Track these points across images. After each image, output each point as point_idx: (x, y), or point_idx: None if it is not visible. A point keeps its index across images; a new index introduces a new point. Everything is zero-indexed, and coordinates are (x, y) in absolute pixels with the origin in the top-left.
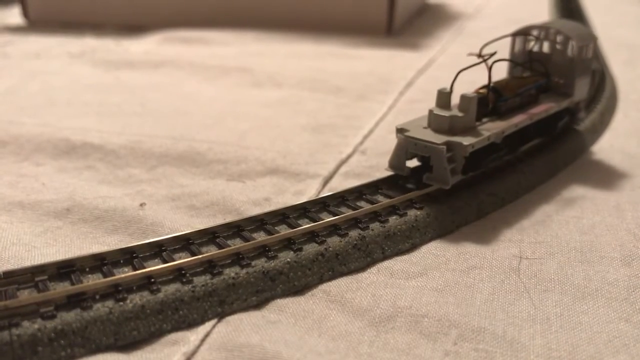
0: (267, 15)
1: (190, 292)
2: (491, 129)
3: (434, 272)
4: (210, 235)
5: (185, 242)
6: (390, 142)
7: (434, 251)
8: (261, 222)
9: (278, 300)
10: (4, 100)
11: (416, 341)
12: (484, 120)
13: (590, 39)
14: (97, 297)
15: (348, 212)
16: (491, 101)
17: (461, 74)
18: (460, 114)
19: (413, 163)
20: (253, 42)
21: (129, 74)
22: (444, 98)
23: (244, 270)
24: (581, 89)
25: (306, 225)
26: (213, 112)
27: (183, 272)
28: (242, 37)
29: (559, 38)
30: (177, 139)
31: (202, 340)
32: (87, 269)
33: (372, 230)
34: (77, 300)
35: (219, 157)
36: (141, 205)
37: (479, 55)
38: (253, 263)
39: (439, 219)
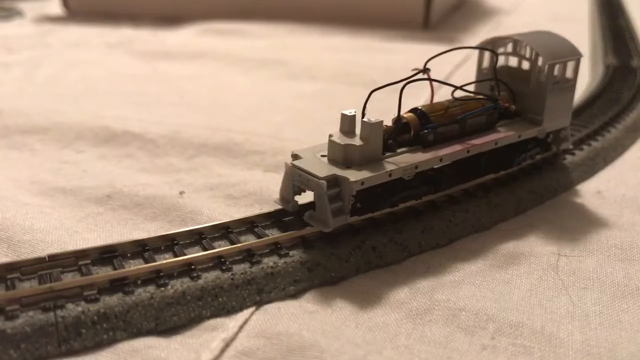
0: (303, 8)
1: (229, 280)
2: (401, 162)
3: (471, 267)
4: (249, 225)
5: (225, 231)
6: None
7: (470, 246)
8: (298, 213)
9: (315, 290)
10: (46, 88)
11: (453, 334)
12: (400, 150)
13: (568, 56)
14: (139, 282)
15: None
16: (413, 128)
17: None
18: (358, 143)
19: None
20: (289, 34)
21: (166, 64)
22: (347, 122)
23: (282, 260)
24: (556, 117)
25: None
26: (249, 104)
27: (223, 260)
28: (278, 29)
29: (528, 54)
30: (215, 129)
31: (241, 327)
32: (129, 255)
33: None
34: (119, 285)
35: (255, 149)
36: (180, 193)
37: (424, 71)
38: (291, 253)
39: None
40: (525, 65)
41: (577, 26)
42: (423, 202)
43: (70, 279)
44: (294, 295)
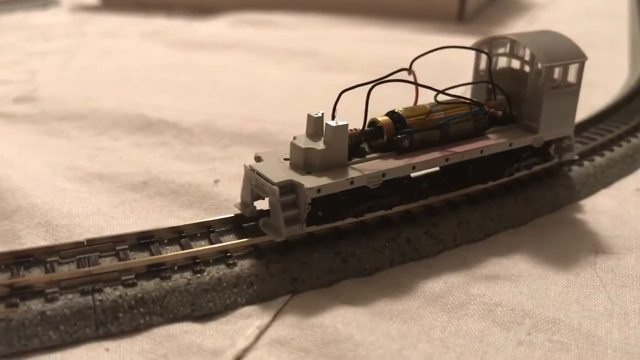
0: None
1: (264, 268)
2: (367, 169)
3: (507, 262)
4: None
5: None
6: None
7: (506, 241)
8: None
9: (349, 281)
10: (82, 76)
11: (489, 329)
12: (371, 156)
13: (570, 58)
14: (176, 268)
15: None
16: (387, 133)
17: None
18: (320, 147)
19: None
20: (322, 26)
21: (199, 54)
22: (313, 124)
23: (317, 250)
24: (555, 124)
25: (380, 213)
26: (282, 95)
27: (258, 248)
28: (310, 21)
29: (527, 55)
30: (248, 119)
31: (275, 316)
32: (166, 241)
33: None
34: (156, 270)
35: (289, 139)
36: (215, 182)
37: (409, 71)
38: (325, 243)
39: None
40: (525, 67)
41: (616, 21)
42: (459, 195)
43: (108, 263)
44: (328, 286)
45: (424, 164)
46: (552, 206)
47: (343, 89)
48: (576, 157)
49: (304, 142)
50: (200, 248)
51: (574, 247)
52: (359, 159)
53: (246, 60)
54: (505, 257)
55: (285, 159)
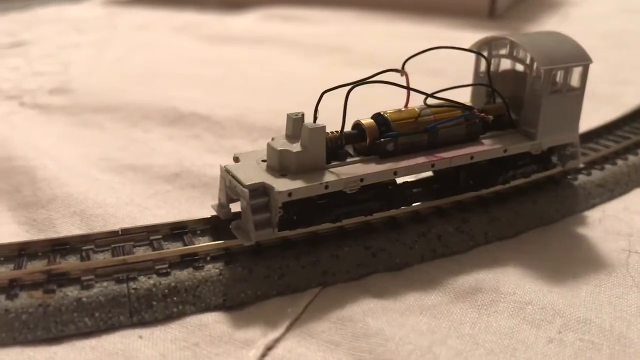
0: None
1: (295, 260)
2: (345, 173)
3: (537, 261)
4: None
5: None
6: None
7: (537, 239)
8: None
9: (379, 275)
10: (114, 69)
11: (519, 326)
12: (352, 160)
13: (572, 61)
14: (208, 258)
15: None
16: (369, 136)
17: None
18: (296, 149)
19: None
20: (352, 21)
21: (230, 49)
22: (291, 125)
23: (347, 244)
24: (555, 131)
25: (411, 206)
26: (311, 90)
27: (289, 240)
28: (340, 16)
29: (527, 58)
30: (278, 113)
31: (305, 308)
32: (198, 232)
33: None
34: (189, 260)
35: None
36: None
37: (401, 72)
38: (355, 237)
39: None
40: (516, 70)
41: None
42: (490, 192)
43: (142, 252)
44: (358, 279)
45: (407, 170)
46: (584, 205)
47: (325, 90)
48: (581, 165)
49: (280, 144)
50: (233, 240)
51: (606, 246)
52: (338, 163)
53: (276, 54)
54: (536, 255)
55: (263, 161)
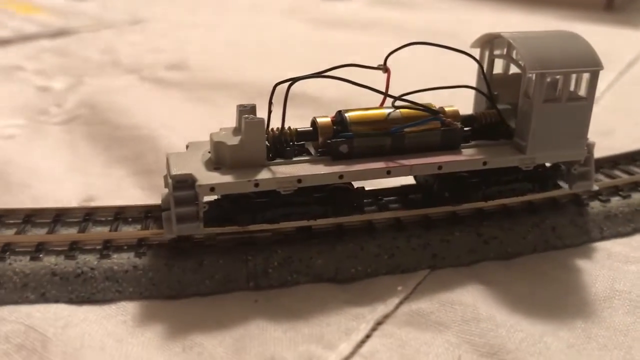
0: None
1: (406, 241)
2: (283, 172)
3: None
4: None
5: (402, 196)
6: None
7: None
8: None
9: (489, 262)
10: (227, 50)
11: (635, 324)
12: (299, 159)
13: (576, 66)
14: (321, 233)
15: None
16: (322, 135)
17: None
18: (231, 142)
19: None
20: (460, 8)
21: (336, 33)
22: (239, 117)
23: (459, 229)
24: (552, 145)
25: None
26: (417, 76)
27: (400, 221)
28: (449, 3)
29: (519, 59)
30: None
31: (415, 288)
32: None
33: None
34: (305, 235)
35: None
36: None
37: (383, 68)
38: (468, 223)
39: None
40: (510, 73)
41: None
42: (607, 186)
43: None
44: (468, 265)
45: (356, 174)
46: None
47: (277, 82)
48: (595, 188)
49: (221, 136)
50: (347, 217)
51: None
52: (282, 160)
53: (382, 40)
54: None
55: (209, 152)
